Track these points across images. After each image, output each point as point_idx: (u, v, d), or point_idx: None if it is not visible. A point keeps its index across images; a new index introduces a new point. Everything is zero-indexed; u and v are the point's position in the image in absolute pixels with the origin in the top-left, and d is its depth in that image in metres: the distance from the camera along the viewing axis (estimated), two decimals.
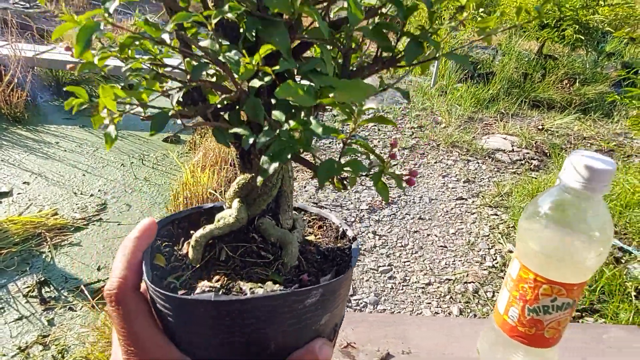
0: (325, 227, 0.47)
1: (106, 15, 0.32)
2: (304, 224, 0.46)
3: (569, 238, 0.47)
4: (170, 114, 0.36)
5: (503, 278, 1.86)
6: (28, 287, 1.91)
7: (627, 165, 2.19)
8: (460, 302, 1.70)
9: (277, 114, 0.32)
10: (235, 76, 0.33)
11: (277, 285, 0.37)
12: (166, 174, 2.88)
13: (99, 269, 2.04)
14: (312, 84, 0.32)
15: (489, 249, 2.02)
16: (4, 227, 2.18)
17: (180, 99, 0.39)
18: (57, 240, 2.20)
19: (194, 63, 0.35)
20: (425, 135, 3.15)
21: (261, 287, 0.36)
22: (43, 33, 4.71)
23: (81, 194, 2.61)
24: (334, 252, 0.43)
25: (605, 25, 4.22)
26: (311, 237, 0.46)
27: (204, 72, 0.39)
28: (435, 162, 2.84)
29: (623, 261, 1.79)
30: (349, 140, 0.36)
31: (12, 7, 5.87)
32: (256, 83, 0.34)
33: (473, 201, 2.43)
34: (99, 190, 2.65)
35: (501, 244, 2.04)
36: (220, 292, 0.36)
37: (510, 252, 1.97)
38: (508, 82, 4.21)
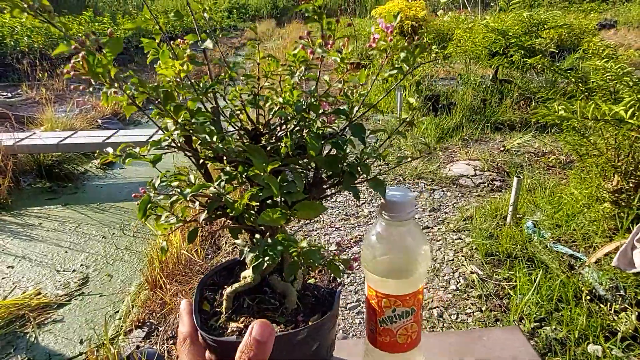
0: (323, 272, 0.63)
1: (153, 190, 0.46)
2: (302, 275, 0.62)
3: (394, 259, 0.57)
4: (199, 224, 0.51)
5: (466, 299, 1.93)
6: None
7: (571, 176, 2.32)
8: (425, 328, 1.77)
9: (257, 237, 0.47)
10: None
11: (279, 326, 0.53)
12: (146, 240, 2.97)
13: (81, 342, 2.09)
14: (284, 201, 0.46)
15: (453, 272, 2.10)
16: None
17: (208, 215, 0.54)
18: (41, 319, 2.25)
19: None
20: (391, 172, 3.30)
21: None
22: (23, 120, 4.93)
23: (64, 270, 2.68)
24: (324, 296, 0.58)
25: (551, 46, 4.50)
26: (312, 280, 0.62)
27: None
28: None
29: (576, 267, 1.87)
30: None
31: None
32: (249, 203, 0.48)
33: (438, 228, 2.53)
34: (81, 265, 2.73)
35: (464, 266, 2.12)
36: (243, 331, 0.53)
37: (472, 273, 2.05)
38: (469, 110, 4.42)
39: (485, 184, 3.04)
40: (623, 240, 1.60)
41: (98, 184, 4.07)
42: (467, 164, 3.33)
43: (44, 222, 3.30)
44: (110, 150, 0.49)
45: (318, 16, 0.48)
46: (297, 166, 0.48)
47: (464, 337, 0.78)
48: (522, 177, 2.32)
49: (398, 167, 3.38)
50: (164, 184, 0.49)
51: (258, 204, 0.46)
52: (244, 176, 0.47)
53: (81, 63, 0.37)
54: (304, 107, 0.47)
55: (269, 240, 0.46)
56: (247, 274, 0.59)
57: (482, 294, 1.91)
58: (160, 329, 1.97)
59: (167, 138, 0.45)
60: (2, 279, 2.63)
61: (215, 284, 0.63)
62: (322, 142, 0.48)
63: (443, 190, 3.00)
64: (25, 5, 0.44)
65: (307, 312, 0.57)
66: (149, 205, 0.44)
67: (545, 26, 4.21)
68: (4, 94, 6.47)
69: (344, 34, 0.52)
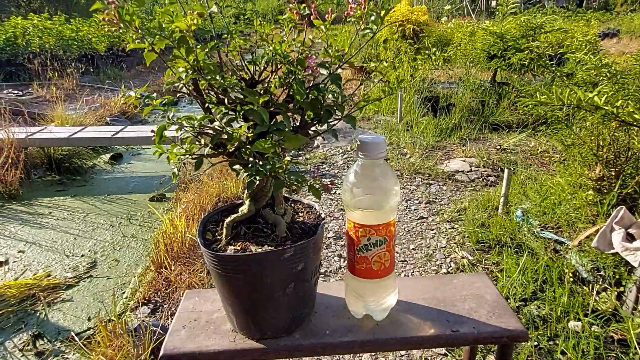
0: (311, 212, 0.76)
1: (167, 120, 0.57)
2: (291, 211, 0.74)
3: (368, 192, 0.68)
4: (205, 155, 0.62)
5: None
6: (23, 342, 2.06)
7: (559, 167, 2.42)
8: None
9: (251, 160, 0.58)
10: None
11: (270, 247, 0.64)
12: (152, 229, 3.08)
13: (89, 319, 2.20)
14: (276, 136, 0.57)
15: (445, 258, 2.20)
16: (1, 292, 2.35)
17: (211, 149, 0.64)
18: (51, 298, 2.36)
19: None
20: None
21: (260, 248, 0.65)
22: (35, 116, 5.08)
23: (72, 255, 2.80)
24: (310, 228, 0.70)
25: (548, 49, 4.60)
26: (300, 218, 0.74)
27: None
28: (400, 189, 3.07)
29: (561, 252, 1.97)
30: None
31: (6, 97, 6.31)
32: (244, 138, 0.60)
33: (433, 219, 2.63)
34: (89, 251, 2.84)
35: (456, 252, 2.22)
36: (240, 252, 0.64)
37: (463, 258, 2.14)
38: (468, 111, 4.53)
39: (480, 179, 3.14)
40: (603, 224, 1.70)
41: (106, 178, 4.20)
42: (463, 161, 3.43)
43: (54, 212, 3.42)
44: (127, 134, 0.59)
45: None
46: (285, 109, 0.59)
47: (436, 280, 0.88)
48: (513, 170, 2.41)
49: (395, 162, 3.48)
50: (176, 118, 0.60)
51: (253, 134, 0.56)
52: (241, 114, 0.58)
53: (113, 13, 0.48)
54: (290, 59, 0.58)
55: (260, 163, 0.56)
56: (244, 208, 0.70)
57: None
58: (164, 305, 2.07)
59: (180, 81, 0.56)
60: (14, 262, 2.74)
61: (217, 221, 0.74)
62: (307, 89, 0.59)
63: (439, 185, 3.10)
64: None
65: (295, 240, 0.68)
66: (163, 131, 0.54)
67: (542, 30, 4.32)
68: (15, 92, 6.65)
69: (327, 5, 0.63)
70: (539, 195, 2.21)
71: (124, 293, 2.36)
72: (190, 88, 0.60)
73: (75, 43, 8.62)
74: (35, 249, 2.89)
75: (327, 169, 3.49)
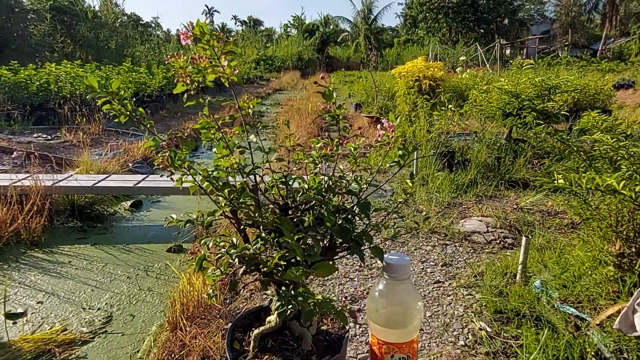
0: (335, 320, 0.79)
1: (206, 248, 0.62)
2: (316, 322, 0.77)
3: (393, 312, 0.70)
4: (239, 277, 0.67)
5: (474, 356, 1.98)
6: None
7: (579, 240, 2.40)
8: None
9: (283, 289, 0.63)
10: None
11: None
12: (168, 282, 3.11)
13: None
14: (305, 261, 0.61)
15: (462, 328, 2.16)
16: (18, 346, 2.37)
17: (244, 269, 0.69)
18: (65, 355, 2.37)
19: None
20: (406, 225, 3.41)
21: None
22: (61, 162, 5.28)
23: (89, 308, 2.83)
24: (335, 341, 0.73)
25: (564, 109, 4.66)
26: (325, 327, 0.77)
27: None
28: (415, 249, 3.05)
29: (582, 328, 1.92)
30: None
31: (36, 141, 6.59)
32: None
33: (449, 283, 2.60)
34: (105, 304, 2.87)
35: (473, 322, 2.18)
36: None
37: (481, 329, 2.10)
38: (484, 167, 4.56)
39: (497, 241, 3.12)
40: (625, 303, 1.67)
41: (125, 226, 4.29)
42: (479, 220, 3.42)
43: (73, 261, 3.49)
44: (148, 183, 0.65)
45: (336, 121, 0.65)
46: (316, 234, 0.63)
47: None
48: (530, 237, 2.40)
49: (412, 222, 3.49)
50: (212, 242, 0.65)
51: (285, 263, 0.60)
52: (275, 241, 0.62)
53: (167, 157, 0.54)
54: (323, 190, 0.63)
55: (292, 292, 0.60)
56: (272, 319, 0.73)
57: (489, 351, 1.96)
58: None
59: (220, 210, 0.61)
60: (32, 313, 2.78)
61: (244, 326, 0.77)
62: (337, 215, 0.63)
63: (455, 246, 3.08)
64: (127, 112, 0.62)
65: (320, 354, 0.71)
66: (204, 262, 0.59)
67: (557, 90, 4.40)
68: (44, 136, 6.93)
69: (355, 134, 0.68)
70: (558, 266, 2.18)
71: (137, 352, 2.36)
72: (227, 213, 0.65)
73: (104, 90, 9.03)
74: (54, 300, 2.93)
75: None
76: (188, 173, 0.55)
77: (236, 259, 0.64)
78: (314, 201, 0.64)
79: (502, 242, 3.09)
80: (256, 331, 0.67)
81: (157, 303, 2.86)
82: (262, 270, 0.64)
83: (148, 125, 0.58)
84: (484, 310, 2.28)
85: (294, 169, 0.68)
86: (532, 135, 4.77)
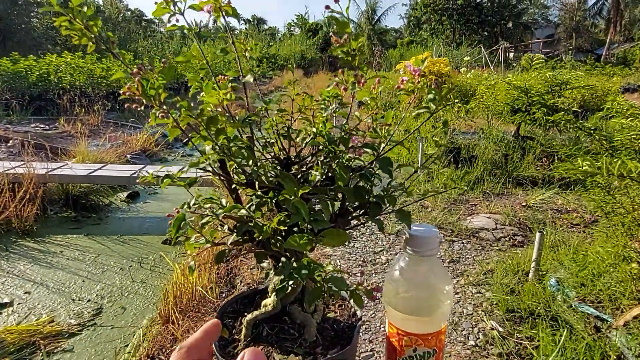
0: (343, 306, 0.64)
1: (188, 208, 0.50)
2: (322, 308, 0.62)
3: (416, 295, 0.57)
4: (227, 247, 0.54)
5: (485, 357, 1.85)
6: None
7: (597, 234, 2.27)
8: None
9: (283, 260, 0.49)
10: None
11: (298, 357, 0.53)
12: (162, 275, 2.98)
13: None
14: (311, 229, 0.48)
15: (472, 327, 2.03)
16: (1, 337, 2.24)
17: (237, 238, 0.55)
18: (51, 347, 2.24)
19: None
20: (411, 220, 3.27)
21: (285, 357, 0.54)
22: (57, 151, 5.16)
23: (79, 300, 2.70)
24: (344, 330, 0.58)
25: (574, 105, 4.53)
26: (331, 314, 0.62)
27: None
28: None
29: (602, 329, 1.79)
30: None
31: (33, 130, 6.47)
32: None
33: (457, 281, 2.47)
34: (96, 295, 2.74)
35: (484, 321, 2.05)
36: None
37: (493, 329, 1.97)
38: (490, 164, 4.42)
39: (507, 238, 2.98)
40: None
41: (121, 217, 4.16)
42: (487, 217, 3.29)
43: (65, 251, 3.36)
44: (146, 173, 0.52)
45: (351, 57, 0.52)
46: (325, 196, 0.50)
47: None
48: (544, 232, 2.27)
49: (416, 216, 3.36)
50: (197, 205, 0.52)
51: (285, 229, 0.47)
52: (273, 202, 0.49)
53: (136, 86, 0.41)
54: (335, 139, 0.50)
55: (294, 265, 0.47)
56: (268, 302, 0.60)
57: (502, 352, 1.83)
58: None
59: (205, 160, 0.48)
60: (19, 304, 2.65)
61: (235, 312, 0.64)
62: (351, 174, 0.50)
63: (463, 242, 2.95)
64: (92, 36, 0.49)
65: (326, 345, 0.57)
66: (182, 223, 0.46)
67: (567, 86, 4.27)
68: (42, 126, 6.81)
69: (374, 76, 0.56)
70: (575, 263, 2.05)
71: (127, 346, 2.23)
72: (216, 167, 0.52)
73: (104, 81, 8.92)
74: (42, 290, 2.80)
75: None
76: (163, 109, 0.41)
77: (225, 226, 0.51)
78: (322, 153, 0.51)
79: (511, 240, 2.96)
80: (249, 316, 0.54)
81: (150, 295, 2.73)
82: (257, 239, 0.51)
83: (126, 60, 0.45)
84: (494, 309, 2.15)
85: (299, 118, 0.55)
86: (541, 133, 4.64)
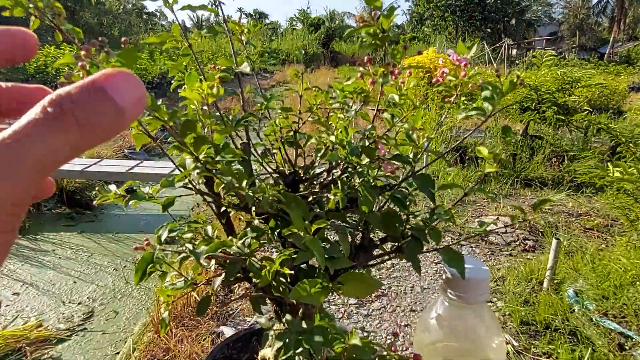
0: None
1: (159, 244, 0.37)
2: None
3: (456, 349, 0.45)
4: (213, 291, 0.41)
5: None
6: None
7: (619, 242, 2.14)
8: None
9: (287, 317, 0.36)
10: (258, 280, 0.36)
11: None
12: (157, 277, 2.86)
13: None
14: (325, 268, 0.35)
15: None
16: None
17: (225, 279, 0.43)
18: (38, 354, 2.13)
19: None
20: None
21: None
22: None
23: (69, 302, 2.58)
24: None
25: (584, 104, 4.39)
26: None
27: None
28: (426, 249, 2.80)
29: (627, 347, 1.67)
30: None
31: None
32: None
33: None
34: (87, 298, 2.62)
35: None
36: None
37: (507, 343, 1.85)
38: (498, 164, 4.29)
39: (517, 243, 2.86)
40: None
41: (116, 213, 4.04)
42: (496, 219, 3.16)
43: (58, 249, 3.24)
44: (113, 187, 0.40)
45: (380, 41, 0.39)
46: (344, 224, 0.38)
47: None
48: (560, 239, 2.15)
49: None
50: (175, 233, 0.40)
51: (292, 272, 0.35)
52: (276, 233, 0.37)
53: (81, 76, 0.28)
54: (357, 149, 0.37)
55: (303, 324, 0.34)
56: (267, 355, 0.47)
57: None
58: None
59: (183, 177, 0.35)
60: (6, 306, 2.53)
61: (226, 359, 0.51)
62: (379, 195, 0.38)
63: (471, 247, 2.83)
64: (32, 5, 0.36)
65: None
66: (150, 266, 0.34)
67: (579, 84, 4.13)
68: None
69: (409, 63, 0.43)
70: (595, 273, 1.93)
71: (117, 354, 2.11)
72: (200, 184, 0.39)
73: None
74: (32, 291, 2.68)
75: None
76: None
77: (212, 261, 0.39)
78: (339, 169, 0.39)
79: (522, 244, 2.83)
80: None
81: (144, 299, 2.61)
82: (253, 280, 0.38)
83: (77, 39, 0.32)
84: (507, 320, 2.02)
85: (309, 120, 0.42)
86: (551, 132, 4.50)
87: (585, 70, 4.26)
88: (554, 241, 2.07)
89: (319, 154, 0.39)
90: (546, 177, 4.05)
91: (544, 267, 2.20)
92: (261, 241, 0.41)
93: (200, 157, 0.33)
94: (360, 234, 0.42)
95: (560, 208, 3.46)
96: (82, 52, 0.32)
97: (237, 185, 0.33)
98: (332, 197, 0.36)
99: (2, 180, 0.18)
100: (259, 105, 0.42)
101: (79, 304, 2.57)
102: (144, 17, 29.86)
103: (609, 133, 1.83)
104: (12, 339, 2.19)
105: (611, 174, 1.28)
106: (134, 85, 0.20)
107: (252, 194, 0.34)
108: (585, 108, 4.10)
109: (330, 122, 0.44)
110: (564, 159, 4.23)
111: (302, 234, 0.33)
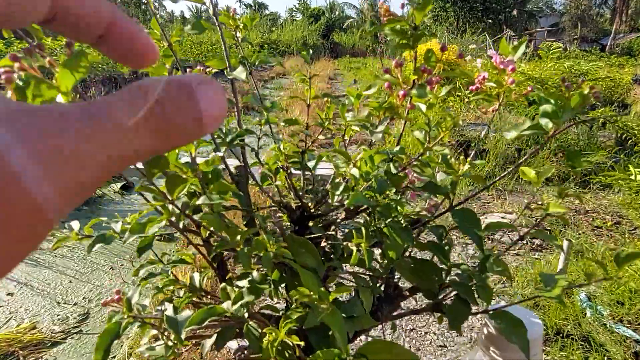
0: None
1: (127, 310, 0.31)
2: None
3: None
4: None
5: None
6: None
7: (632, 241, 2.07)
8: None
9: None
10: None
11: None
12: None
13: None
14: None
15: None
16: None
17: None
18: (31, 358, 2.06)
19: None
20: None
21: None
22: None
23: (64, 303, 2.51)
24: None
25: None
26: None
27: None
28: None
29: None
30: None
31: None
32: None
33: None
34: (83, 298, 2.55)
35: None
36: None
37: None
38: (503, 159, 4.21)
39: (524, 241, 2.79)
40: None
41: (114, 210, 3.96)
42: (502, 217, 3.09)
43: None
44: (75, 226, 0.32)
45: (413, 40, 0.31)
46: (369, 275, 0.30)
47: None
48: (572, 240, 2.07)
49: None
50: (155, 279, 0.32)
51: (303, 343, 0.27)
52: (281, 285, 0.29)
53: (9, 93, 0.20)
54: (385, 180, 0.30)
55: None
56: None
57: None
58: None
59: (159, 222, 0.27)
60: (0, 307, 2.46)
61: None
62: (411, 240, 0.30)
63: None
64: None
65: None
66: (114, 340, 0.26)
67: (586, 77, 4.03)
68: None
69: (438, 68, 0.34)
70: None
71: (113, 358, 2.05)
72: (186, 224, 0.31)
73: (101, 66, 8.65)
74: (26, 292, 2.61)
75: None
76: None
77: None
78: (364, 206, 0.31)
79: (529, 243, 2.77)
80: None
81: (141, 299, 2.54)
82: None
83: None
84: None
85: (320, 138, 0.34)
86: None
87: (592, 63, 4.16)
88: (565, 242, 1.99)
89: (337, 191, 0.31)
90: (552, 173, 3.97)
91: (553, 268, 2.13)
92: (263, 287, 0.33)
93: (181, 195, 0.25)
94: (383, 283, 0.34)
95: (568, 205, 3.38)
96: (20, 54, 0.24)
97: (226, 238, 0.26)
98: (353, 247, 0.28)
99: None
100: (257, 120, 0.34)
101: (75, 304, 2.50)
102: (142, 7, 29.54)
103: (624, 131, 1.74)
104: (5, 343, 2.13)
105: (634, 178, 1.20)
106: (221, 97, 0.19)
107: (245, 253, 0.26)
108: (593, 102, 4.00)
109: (346, 138, 0.36)
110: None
111: (315, 300, 0.25)
